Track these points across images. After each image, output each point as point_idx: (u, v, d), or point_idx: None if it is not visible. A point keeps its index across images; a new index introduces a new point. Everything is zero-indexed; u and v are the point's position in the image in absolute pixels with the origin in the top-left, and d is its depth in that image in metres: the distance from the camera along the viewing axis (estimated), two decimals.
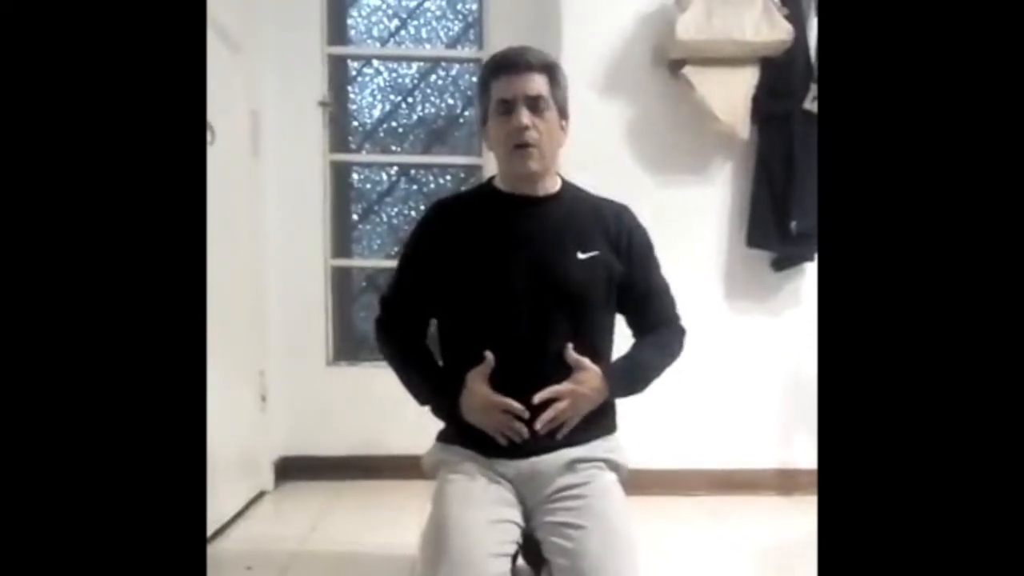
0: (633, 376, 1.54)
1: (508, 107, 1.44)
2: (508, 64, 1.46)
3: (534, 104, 1.44)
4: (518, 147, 1.45)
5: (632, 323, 1.61)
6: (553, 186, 1.55)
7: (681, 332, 1.63)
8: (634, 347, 1.59)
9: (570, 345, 1.45)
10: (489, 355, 1.44)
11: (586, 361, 1.46)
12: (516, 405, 1.43)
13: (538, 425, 1.44)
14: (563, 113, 1.51)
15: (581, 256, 1.49)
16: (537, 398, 1.43)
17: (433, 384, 1.54)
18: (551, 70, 1.48)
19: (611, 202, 1.59)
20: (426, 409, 1.57)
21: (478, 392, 1.44)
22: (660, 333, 1.60)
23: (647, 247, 1.59)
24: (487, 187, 1.60)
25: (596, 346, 1.51)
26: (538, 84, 1.45)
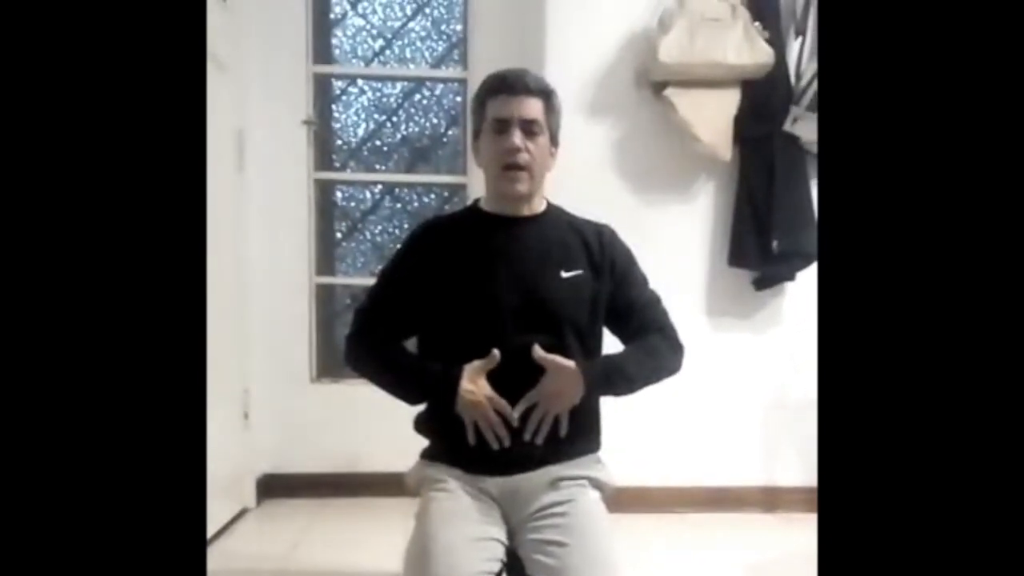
0: (610, 372, 1.49)
1: (503, 127, 1.47)
2: (507, 85, 1.47)
3: (528, 127, 1.47)
4: (508, 168, 1.47)
5: (622, 338, 1.60)
6: (539, 207, 1.57)
7: (676, 344, 1.58)
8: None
9: (536, 345, 1.43)
10: (495, 352, 1.43)
11: (553, 357, 1.43)
12: (509, 410, 1.43)
13: (527, 437, 1.44)
14: (554, 140, 1.54)
15: (564, 275, 1.50)
16: (516, 412, 1.43)
17: (428, 374, 1.49)
18: (547, 96, 1.50)
19: (593, 223, 1.61)
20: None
21: (476, 384, 1.44)
22: (648, 338, 1.55)
23: (629, 263, 1.60)
24: (473, 208, 1.61)
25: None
26: (534, 108, 1.47)
